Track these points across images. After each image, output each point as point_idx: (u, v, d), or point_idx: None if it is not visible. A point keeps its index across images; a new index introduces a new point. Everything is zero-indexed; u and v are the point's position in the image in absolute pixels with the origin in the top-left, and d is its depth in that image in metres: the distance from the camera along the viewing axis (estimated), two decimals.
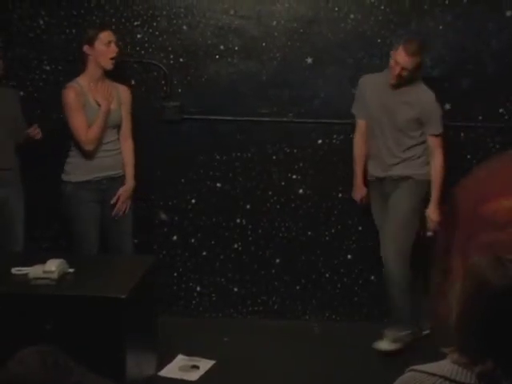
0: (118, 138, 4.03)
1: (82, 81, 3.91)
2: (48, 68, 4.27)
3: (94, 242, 3.92)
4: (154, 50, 4.27)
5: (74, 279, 3.09)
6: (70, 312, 2.89)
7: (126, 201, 4.02)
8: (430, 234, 3.91)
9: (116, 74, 4.26)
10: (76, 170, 3.92)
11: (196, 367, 3.77)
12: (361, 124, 4.07)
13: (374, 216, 4.14)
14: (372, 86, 3.98)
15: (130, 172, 4.04)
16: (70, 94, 3.85)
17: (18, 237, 3.96)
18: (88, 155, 3.89)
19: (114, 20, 4.25)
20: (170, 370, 3.72)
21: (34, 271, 3.02)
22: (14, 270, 3.08)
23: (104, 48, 3.84)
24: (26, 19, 4.25)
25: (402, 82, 3.86)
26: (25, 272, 3.05)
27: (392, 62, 3.83)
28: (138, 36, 4.26)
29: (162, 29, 4.26)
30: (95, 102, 3.88)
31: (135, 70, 4.29)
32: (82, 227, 3.91)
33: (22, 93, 4.29)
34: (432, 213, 3.90)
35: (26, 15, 4.25)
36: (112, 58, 3.88)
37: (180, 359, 3.83)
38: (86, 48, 3.87)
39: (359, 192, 4.14)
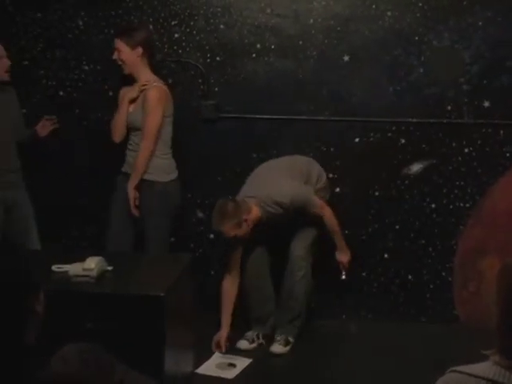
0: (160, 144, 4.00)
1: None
2: (87, 68, 4.33)
3: (119, 240, 3.99)
4: (192, 49, 4.29)
5: (113, 277, 3.11)
6: (109, 310, 2.92)
7: (135, 198, 3.90)
8: (344, 277, 4.09)
9: (154, 73, 4.30)
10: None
11: (233, 365, 3.78)
12: None
13: None
14: None
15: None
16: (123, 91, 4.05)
17: (33, 236, 4.01)
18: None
19: (151, 20, 4.28)
20: (207, 368, 3.74)
21: (74, 269, 3.06)
22: (55, 268, 3.12)
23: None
24: (65, 20, 4.31)
25: None
26: (65, 269, 3.09)
27: None
28: (176, 35, 4.29)
29: (200, 28, 4.27)
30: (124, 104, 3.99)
31: (173, 69, 4.32)
32: (111, 220, 4.02)
33: (61, 93, 4.36)
34: (341, 257, 4.06)
35: (66, 16, 4.30)
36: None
37: (217, 357, 3.85)
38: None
39: None
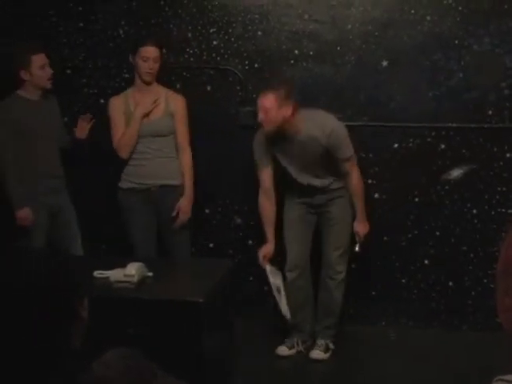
0: (175, 148, 4.02)
1: (130, 90, 4.04)
2: (127, 76, 4.38)
3: (147, 247, 3.98)
4: (230, 55, 4.32)
5: (153, 283, 3.15)
6: (149, 315, 2.95)
7: (187, 212, 4.00)
8: (357, 249, 3.92)
9: (192, 80, 4.35)
10: (126, 177, 4.00)
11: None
12: None
13: None
14: None
15: (188, 183, 4.01)
16: (113, 102, 3.99)
17: (76, 241, 4.07)
18: (129, 163, 3.96)
19: (190, 27, 4.33)
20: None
21: (115, 275, 3.10)
22: (96, 273, 3.16)
23: (140, 62, 3.90)
24: (106, 29, 4.39)
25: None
26: (106, 275, 3.14)
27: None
28: (214, 42, 4.32)
29: (238, 35, 4.30)
30: (134, 108, 3.96)
31: (211, 76, 4.35)
32: (131, 233, 4.00)
33: (102, 100, 4.43)
34: (359, 227, 3.89)
35: (107, 25, 4.38)
36: (147, 73, 3.92)
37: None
38: (131, 58, 3.98)
39: None
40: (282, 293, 3.83)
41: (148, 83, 3.98)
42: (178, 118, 4.00)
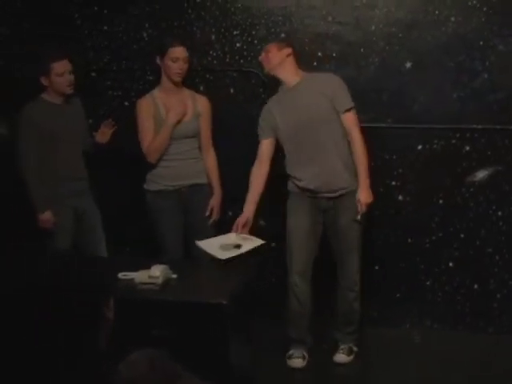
0: (199, 148, 4.09)
1: (157, 92, 4.04)
2: (151, 78, 4.41)
3: (176, 249, 4.00)
4: (253, 58, 4.32)
5: (178, 285, 3.15)
6: (174, 317, 2.96)
7: (219, 211, 4.11)
8: (359, 217, 3.75)
9: (215, 82, 4.36)
10: (154, 179, 4.02)
11: (238, 246, 3.55)
12: None
13: None
14: None
15: (216, 182, 4.12)
16: (141, 105, 4.00)
17: (101, 244, 4.11)
18: (158, 164, 3.98)
19: (213, 30, 4.34)
20: (208, 243, 3.56)
21: (140, 276, 3.11)
22: (121, 275, 3.18)
23: (170, 63, 3.93)
24: (130, 32, 4.42)
25: None
26: (131, 277, 3.15)
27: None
28: (237, 45, 4.34)
29: (261, 37, 4.31)
30: (164, 115, 3.97)
31: (234, 78, 4.37)
32: (163, 234, 4.01)
33: (126, 103, 4.46)
34: (361, 195, 3.74)
35: (131, 28, 4.41)
36: (177, 74, 3.95)
37: (229, 237, 3.67)
38: (158, 59, 3.99)
39: None
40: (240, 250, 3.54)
41: (177, 84, 4.01)
42: (204, 119, 4.08)
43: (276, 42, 3.94)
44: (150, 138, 3.96)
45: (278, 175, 4.32)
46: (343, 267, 3.89)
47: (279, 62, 3.82)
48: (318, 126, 3.75)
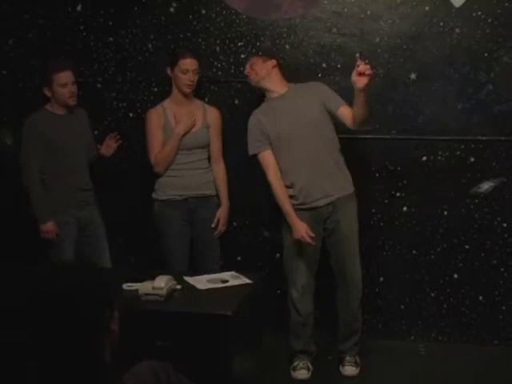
0: (208, 158, 4.09)
1: (167, 103, 4.06)
2: (156, 90, 4.42)
3: (182, 259, 3.99)
4: None
5: (182, 296, 3.16)
6: (178, 328, 2.96)
7: (225, 222, 4.10)
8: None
9: (221, 94, 4.37)
10: (162, 188, 4.02)
11: (225, 281, 3.40)
12: None
13: None
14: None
15: (224, 194, 4.10)
16: (151, 115, 4.01)
17: (105, 255, 4.11)
18: (166, 174, 3.98)
19: (218, 41, 4.36)
20: (197, 279, 3.37)
21: (144, 287, 3.11)
22: (125, 286, 3.18)
23: (180, 75, 3.95)
24: (135, 43, 4.44)
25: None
26: (135, 288, 3.15)
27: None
28: (242, 56, 4.34)
29: (265, 49, 4.31)
30: (175, 125, 3.98)
31: (239, 89, 4.37)
32: (169, 244, 4.00)
33: (131, 114, 4.47)
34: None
35: (136, 40, 4.43)
36: (188, 85, 3.97)
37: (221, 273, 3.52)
38: (168, 71, 4.01)
39: None
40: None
41: (187, 95, 4.03)
42: (214, 130, 4.09)
43: (259, 55, 3.99)
44: (157, 148, 3.97)
45: None
46: (346, 275, 3.87)
47: (266, 73, 3.86)
48: (312, 131, 3.76)
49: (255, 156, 3.86)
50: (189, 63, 3.95)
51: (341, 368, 3.96)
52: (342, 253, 3.86)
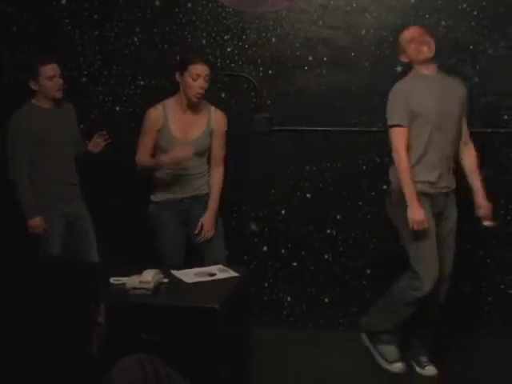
0: (206, 162, 3.98)
1: (170, 103, 3.88)
2: (142, 83, 4.41)
3: (175, 261, 3.90)
4: (244, 62, 4.33)
5: (169, 289, 3.16)
6: (165, 322, 2.96)
7: (211, 227, 3.95)
8: (487, 223, 3.76)
9: (207, 87, 4.35)
10: (158, 190, 3.96)
11: (212, 275, 3.39)
12: None
13: None
14: None
15: (214, 197, 3.96)
16: (150, 115, 3.85)
17: (92, 249, 4.09)
18: (163, 177, 3.89)
19: (204, 34, 4.34)
20: (184, 273, 3.37)
21: (131, 281, 3.10)
22: (113, 280, 3.17)
23: (190, 81, 3.75)
24: (121, 37, 4.41)
25: None
26: (122, 282, 3.14)
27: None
28: (228, 49, 4.34)
29: (252, 41, 4.31)
30: (173, 130, 3.84)
31: (225, 83, 4.37)
32: (163, 245, 3.94)
33: (117, 108, 4.46)
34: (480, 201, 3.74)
35: (122, 33, 4.41)
36: (197, 95, 3.77)
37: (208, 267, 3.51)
38: (177, 76, 3.82)
39: None
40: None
41: (194, 105, 3.85)
42: (217, 136, 3.94)
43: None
44: (144, 152, 3.87)
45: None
46: (443, 269, 3.74)
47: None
48: (453, 119, 3.71)
49: None
50: (200, 69, 3.74)
51: (420, 369, 3.86)
52: (446, 242, 3.80)
